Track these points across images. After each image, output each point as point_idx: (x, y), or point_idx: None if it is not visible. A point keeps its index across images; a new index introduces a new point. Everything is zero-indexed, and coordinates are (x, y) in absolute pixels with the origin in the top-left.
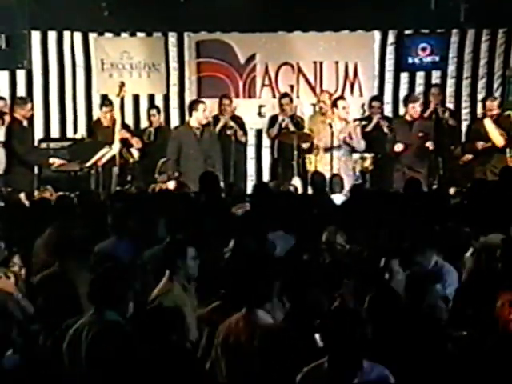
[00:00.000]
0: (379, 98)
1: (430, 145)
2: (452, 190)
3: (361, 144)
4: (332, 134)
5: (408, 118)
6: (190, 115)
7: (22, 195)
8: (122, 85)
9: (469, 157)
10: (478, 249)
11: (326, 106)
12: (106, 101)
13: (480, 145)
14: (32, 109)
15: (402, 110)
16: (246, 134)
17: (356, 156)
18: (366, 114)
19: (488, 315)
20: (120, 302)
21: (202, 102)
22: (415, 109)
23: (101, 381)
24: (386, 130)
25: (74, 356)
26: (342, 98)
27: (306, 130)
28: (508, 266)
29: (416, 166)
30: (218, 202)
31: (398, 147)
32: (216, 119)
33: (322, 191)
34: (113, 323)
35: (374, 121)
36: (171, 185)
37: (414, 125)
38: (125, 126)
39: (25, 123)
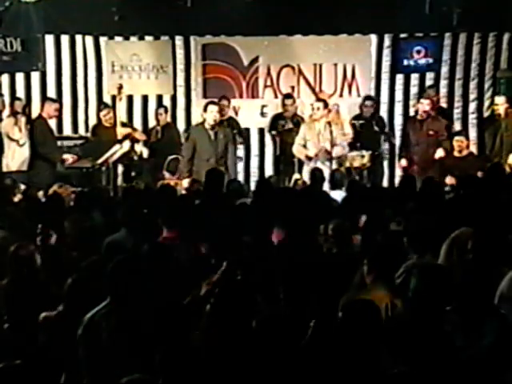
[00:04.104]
0: (372, 97)
1: (440, 152)
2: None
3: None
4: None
5: (419, 117)
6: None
7: (41, 192)
8: (121, 87)
9: None
10: (449, 242)
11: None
12: (102, 105)
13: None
14: (57, 109)
15: (398, 110)
16: (240, 134)
17: (354, 153)
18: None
19: None
20: (133, 294)
21: (215, 103)
22: (423, 105)
23: (122, 369)
24: (376, 128)
25: (92, 345)
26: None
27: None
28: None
29: (424, 163)
30: (221, 199)
31: (403, 163)
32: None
33: (320, 187)
34: (130, 314)
35: (367, 119)
36: (184, 183)
37: (425, 123)
38: (123, 124)
39: (49, 121)
